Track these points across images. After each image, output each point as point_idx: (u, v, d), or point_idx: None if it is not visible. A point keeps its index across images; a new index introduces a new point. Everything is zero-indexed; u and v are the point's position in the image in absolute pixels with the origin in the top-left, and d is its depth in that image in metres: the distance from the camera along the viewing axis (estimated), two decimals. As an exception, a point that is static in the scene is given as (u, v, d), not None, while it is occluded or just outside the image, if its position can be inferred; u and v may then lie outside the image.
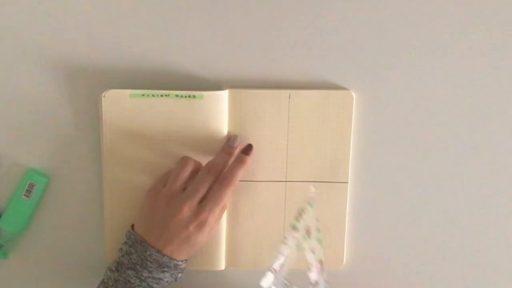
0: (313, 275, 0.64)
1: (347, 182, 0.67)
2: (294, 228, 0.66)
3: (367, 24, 0.65)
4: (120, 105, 0.64)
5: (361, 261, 0.70)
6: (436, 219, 0.69)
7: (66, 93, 0.66)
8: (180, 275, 0.64)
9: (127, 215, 0.66)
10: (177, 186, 0.63)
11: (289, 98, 0.66)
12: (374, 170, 0.68)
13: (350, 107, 0.66)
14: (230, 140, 0.65)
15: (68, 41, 0.65)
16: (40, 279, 0.70)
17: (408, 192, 0.68)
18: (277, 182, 0.67)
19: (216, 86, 0.66)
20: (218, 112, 0.65)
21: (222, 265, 0.69)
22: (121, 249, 0.63)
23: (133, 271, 0.60)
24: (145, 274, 0.60)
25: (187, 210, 0.61)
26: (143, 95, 0.64)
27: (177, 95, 0.64)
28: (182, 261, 0.62)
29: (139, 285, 0.60)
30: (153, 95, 0.64)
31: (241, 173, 0.64)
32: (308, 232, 0.65)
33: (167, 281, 0.62)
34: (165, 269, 0.61)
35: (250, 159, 0.65)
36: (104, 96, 0.64)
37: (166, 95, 0.64)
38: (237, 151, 0.65)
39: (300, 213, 0.66)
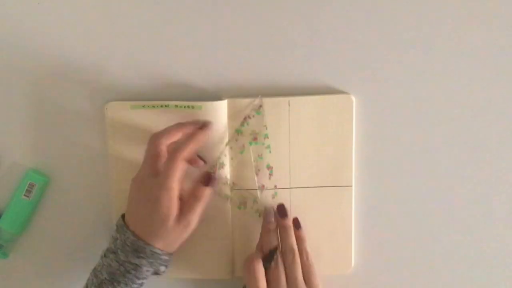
0: (259, 179, 0.66)
1: (351, 186, 0.67)
2: (238, 131, 0.66)
3: (365, 28, 0.65)
4: (122, 116, 0.66)
5: (369, 263, 0.69)
6: (442, 220, 0.68)
7: (66, 94, 0.67)
8: (163, 268, 0.62)
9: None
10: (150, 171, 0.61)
11: (289, 105, 0.65)
12: (377, 172, 0.68)
13: (350, 111, 0.66)
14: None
15: (68, 42, 0.66)
16: (40, 279, 0.70)
17: (412, 193, 0.68)
18: (281, 189, 0.67)
19: (216, 96, 0.66)
20: (218, 122, 0.65)
21: (229, 274, 0.68)
22: (111, 236, 0.63)
23: (114, 255, 0.61)
24: (122, 257, 0.60)
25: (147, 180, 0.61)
26: (143, 106, 0.65)
27: (176, 106, 0.65)
28: (160, 250, 0.61)
29: (117, 269, 0.60)
30: (153, 106, 0.65)
31: (192, 146, 0.61)
32: (254, 138, 0.66)
33: (147, 271, 0.61)
34: (141, 254, 0.60)
35: (208, 191, 0.62)
36: (106, 107, 0.66)
37: (165, 106, 0.65)
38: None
39: (245, 119, 0.66)
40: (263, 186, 0.67)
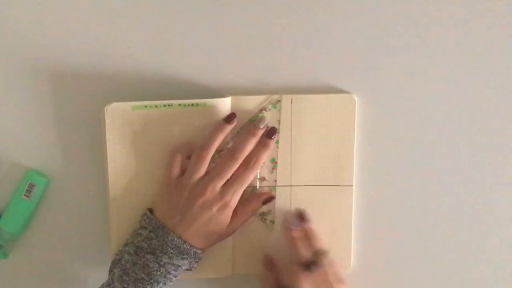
0: (261, 171, 0.67)
1: (352, 186, 0.67)
2: (251, 121, 0.66)
3: (368, 28, 0.65)
4: (123, 117, 0.64)
5: (369, 263, 0.69)
6: (443, 220, 0.69)
7: (67, 94, 0.66)
8: (196, 265, 0.64)
9: (133, 216, 0.66)
10: (199, 175, 0.63)
11: (292, 103, 0.65)
12: (378, 172, 0.68)
13: (352, 110, 0.66)
14: (256, 121, 0.65)
15: (68, 42, 0.65)
16: (40, 279, 0.70)
17: (413, 193, 0.68)
18: (282, 187, 0.67)
19: (219, 93, 0.66)
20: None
21: (229, 272, 0.68)
22: (139, 234, 0.63)
23: (152, 256, 0.61)
24: (165, 259, 0.61)
25: (210, 192, 0.62)
26: (145, 106, 0.64)
27: (180, 105, 0.64)
28: (201, 250, 0.63)
29: (157, 270, 0.61)
30: (155, 106, 0.64)
31: (265, 157, 0.64)
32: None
33: (184, 269, 0.63)
34: (184, 256, 0.61)
35: (273, 143, 0.64)
36: (107, 108, 0.64)
37: (169, 105, 0.64)
38: (261, 132, 0.64)
39: (261, 110, 0.66)
40: (264, 178, 0.67)
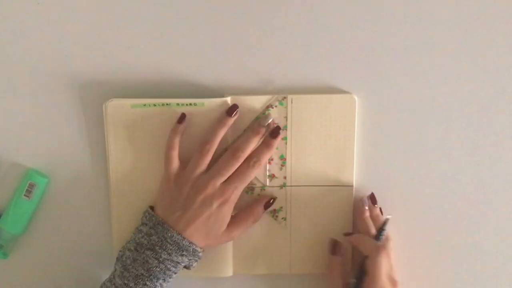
0: (271, 168, 0.66)
1: (352, 186, 0.67)
2: (258, 118, 0.66)
3: (368, 28, 0.65)
4: (123, 115, 0.65)
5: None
6: (442, 219, 0.69)
7: (67, 93, 0.66)
8: (195, 263, 0.64)
9: (133, 215, 0.67)
10: (200, 170, 0.63)
11: (291, 103, 0.65)
12: (379, 172, 0.68)
13: (352, 110, 0.65)
14: (261, 119, 0.65)
15: (68, 42, 0.65)
16: (40, 279, 0.70)
17: (414, 194, 0.68)
18: (281, 187, 0.67)
19: (218, 93, 0.66)
20: None
21: (229, 271, 0.68)
22: (140, 230, 0.63)
23: (152, 252, 0.61)
24: (164, 256, 0.61)
25: (211, 188, 0.62)
26: (144, 105, 0.65)
27: (178, 104, 0.65)
28: (200, 248, 0.63)
29: (156, 266, 0.61)
30: (154, 105, 0.64)
31: (268, 156, 0.65)
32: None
33: (183, 266, 0.63)
34: (184, 253, 0.62)
35: (276, 142, 0.65)
36: (106, 106, 0.65)
37: (167, 104, 0.64)
38: (265, 130, 0.65)
39: (267, 107, 0.65)
40: (273, 175, 0.67)
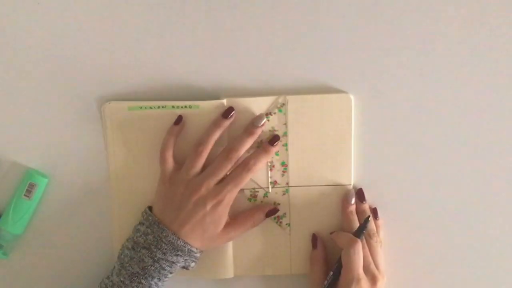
0: (273, 175, 0.66)
1: (351, 185, 0.67)
2: None
3: (364, 27, 0.65)
4: (121, 117, 0.66)
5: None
6: (442, 219, 0.68)
7: (66, 93, 0.67)
8: (193, 264, 0.64)
9: (133, 215, 0.67)
10: (195, 171, 0.63)
11: (287, 104, 0.65)
12: (376, 171, 0.68)
13: (349, 110, 0.66)
14: (254, 119, 0.65)
15: (67, 43, 0.65)
16: (40, 279, 0.70)
17: (411, 192, 0.68)
18: (284, 193, 0.67)
19: (214, 95, 0.66)
20: None
21: (230, 273, 0.68)
22: (138, 230, 0.64)
23: (147, 251, 0.62)
24: (159, 255, 0.61)
25: (205, 189, 0.62)
26: (141, 107, 0.65)
27: (173, 106, 0.65)
28: (196, 248, 0.63)
29: (151, 265, 0.61)
30: (150, 107, 0.65)
31: (264, 162, 0.65)
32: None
33: (179, 266, 0.63)
34: (179, 252, 0.62)
35: (275, 149, 0.65)
36: (103, 108, 0.65)
37: (163, 107, 0.65)
38: (260, 131, 0.65)
39: (266, 115, 0.65)
40: (275, 182, 0.67)
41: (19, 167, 0.67)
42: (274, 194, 0.67)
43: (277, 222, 0.68)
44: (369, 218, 0.65)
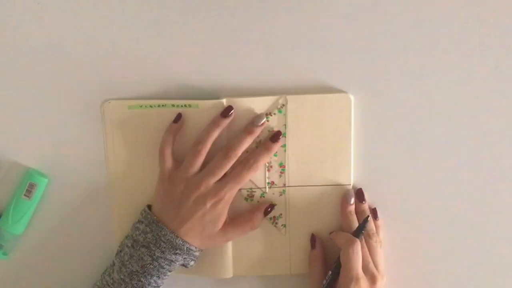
0: (270, 176, 0.66)
1: (350, 185, 0.67)
2: None
3: (364, 27, 0.65)
4: (120, 116, 0.66)
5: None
6: (441, 218, 0.68)
7: (66, 93, 0.67)
8: (192, 263, 0.65)
9: (133, 214, 0.67)
10: (194, 169, 0.63)
11: (287, 103, 0.65)
12: (376, 171, 0.68)
13: (348, 109, 0.66)
14: (254, 118, 0.65)
15: (66, 42, 0.66)
16: (40, 279, 0.70)
17: (411, 192, 0.68)
18: (281, 194, 0.67)
19: (214, 95, 0.66)
20: None
21: (229, 273, 0.68)
22: (137, 228, 0.64)
23: (146, 249, 0.62)
24: (158, 253, 0.62)
25: (204, 187, 0.62)
26: (140, 106, 0.65)
27: (173, 105, 0.65)
28: (195, 247, 0.63)
29: (150, 264, 0.62)
30: (150, 106, 0.65)
31: (265, 160, 0.65)
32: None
33: (178, 264, 0.64)
34: (177, 251, 0.62)
35: (276, 147, 0.65)
36: (103, 107, 0.65)
37: (162, 105, 0.65)
38: (259, 130, 0.65)
39: (266, 116, 0.65)
40: (272, 182, 0.67)
41: (19, 167, 0.67)
42: (271, 194, 0.67)
43: (273, 223, 0.68)
44: (368, 218, 0.65)
